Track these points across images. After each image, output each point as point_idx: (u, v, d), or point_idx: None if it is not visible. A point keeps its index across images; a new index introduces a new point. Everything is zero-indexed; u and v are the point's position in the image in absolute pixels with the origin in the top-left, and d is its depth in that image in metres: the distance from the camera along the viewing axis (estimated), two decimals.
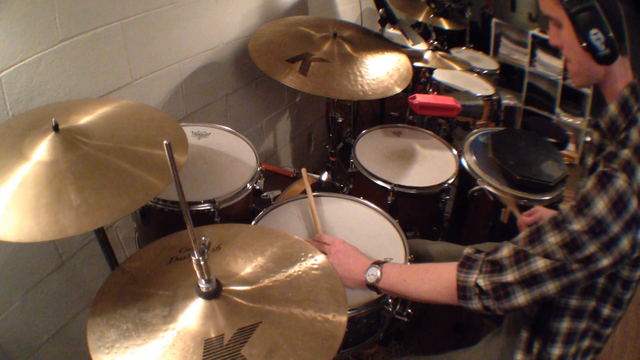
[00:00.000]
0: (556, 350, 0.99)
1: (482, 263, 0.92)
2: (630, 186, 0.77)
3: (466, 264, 0.94)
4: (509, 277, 0.87)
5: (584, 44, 0.83)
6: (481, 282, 0.90)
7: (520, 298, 0.88)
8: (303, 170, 1.47)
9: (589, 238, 0.79)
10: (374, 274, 1.07)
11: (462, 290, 0.93)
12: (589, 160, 0.95)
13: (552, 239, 0.83)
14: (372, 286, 1.08)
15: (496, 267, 0.90)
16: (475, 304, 0.92)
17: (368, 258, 1.14)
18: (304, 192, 1.40)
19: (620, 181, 0.78)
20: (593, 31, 0.81)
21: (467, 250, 0.98)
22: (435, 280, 0.99)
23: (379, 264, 1.09)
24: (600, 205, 0.78)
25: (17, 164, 0.93)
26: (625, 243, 0.79)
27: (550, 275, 0.84)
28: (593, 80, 0.89)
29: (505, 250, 0.90)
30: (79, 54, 1.33)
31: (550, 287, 0.85)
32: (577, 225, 0.80)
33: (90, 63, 1.37)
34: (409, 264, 1.20)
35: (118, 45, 1.43)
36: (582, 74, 0.89)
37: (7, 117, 1.20)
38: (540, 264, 0.85)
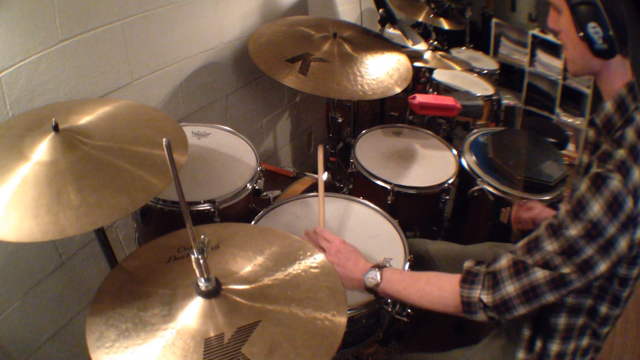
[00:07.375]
0: (555, 346, 0.99)
1: (484, 277, 0.92)
2: (625, 186, 0.77)
3: (468, 279, 0.95)
4: (509, 288, 0.88)
5: (581, 34, 0.83)
6: (484, 298, 0.91)
7: (521, 310, 0.89)
8: (320, 149, 1.41)
9: (586, 242, 0.79)
10: (373, 277, 1.07)
11: (467, 305, 0.94)
12: (585, 158, 0.95)
13: (550, 246, 0.84)
14: (370, 290, 1.08)
15: (497, 279, 0.90)
16: (480, 316, 0.94)
17: (367, 260, 1.13)
18: (304, 191, 1.40)
19: (615, 182, 0.77)
20: (591, 24, 0.82)
21: (467, 264, 0.98)
22: (437, 294, 1.00)
23: (379, 267, 1.08)
24: (596, 208, 0.78)
25: (17, 164, 0.93)
26: (622, 244, 0.79)
27: (549, 286, 0.85)
28: (588, 70, 0.90)
29: (504, 261, 0.91)
30: (79, 54, 1.33)
31: (550, 298, 0.86)
32: (573, 231, 0.80)
33: (90, 63, 1.37)
34: (408, 266, 1.20)
35: (118, 45, 1.44)
36: (577, 62, 0.90)
37: (7, 117, 1.20)
38: (539, 274, 0.85)
